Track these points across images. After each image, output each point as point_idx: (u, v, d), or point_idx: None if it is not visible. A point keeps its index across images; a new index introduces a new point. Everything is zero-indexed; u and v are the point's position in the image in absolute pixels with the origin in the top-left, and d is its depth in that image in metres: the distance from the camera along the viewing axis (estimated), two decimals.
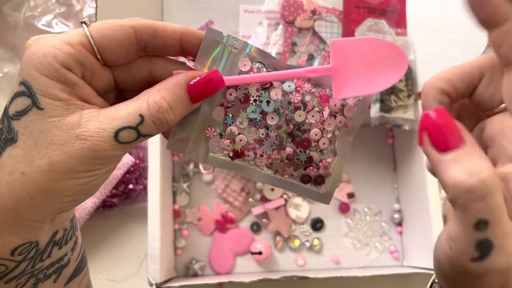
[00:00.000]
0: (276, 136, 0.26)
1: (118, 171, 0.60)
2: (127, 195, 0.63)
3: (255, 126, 0.26)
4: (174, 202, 0.64)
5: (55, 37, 0.22)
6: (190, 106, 0.23)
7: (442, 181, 0.19)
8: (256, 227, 0.64)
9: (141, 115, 0.22)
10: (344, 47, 0.25)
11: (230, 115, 0.26)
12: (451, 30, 0.58)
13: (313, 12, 0.62)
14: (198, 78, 0.23)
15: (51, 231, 0.24)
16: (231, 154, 0.26)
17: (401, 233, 0.65)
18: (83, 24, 0.22)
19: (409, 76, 0.60)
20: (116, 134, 0.21)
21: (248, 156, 0.26)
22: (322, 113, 0.26)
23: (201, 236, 0.64)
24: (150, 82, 0.25)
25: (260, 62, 0.26)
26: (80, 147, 0.21)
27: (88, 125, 0.21)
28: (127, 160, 0.61)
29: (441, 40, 0.59)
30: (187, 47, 0.24)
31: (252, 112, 0.25)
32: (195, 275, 0.62)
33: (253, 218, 0.64)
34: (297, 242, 0.63)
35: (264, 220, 0.64)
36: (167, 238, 0.60)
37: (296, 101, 0.26)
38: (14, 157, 0.21)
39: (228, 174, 0.65)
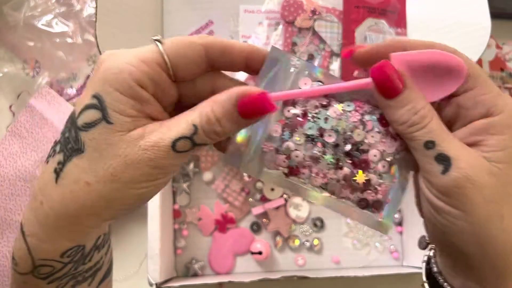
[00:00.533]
0: (333, 154, 0.25)
1: None
2: None
3: (312, 143, 0.25)
4: (174, 202, 0.64)
5: (130, 53, 0.22)
6: (241, 121, 0.23)
7: (390, 121, 0.24)
8: (256, 227, 0.64)
9: (194, 126, 0.22)
10: (404, 61, 0.24)
11: (288, 131, 0.25)
12: (451, 30, 0.58)
13: (313, 12, 0.62)
14: (247, 95, 0.23)
15: (97, 235, 0.26)
16: (286, 171, 0.26)
17: (401, 233, 0.65)
18: (158, 42, 0.23)
19: None
20: (174, 144, 0.22)
21: (303, 174, 0.26)
22: (382, 134, 0.25)
23: (201, 236, 0.64)
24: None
25: (321, 82, 0.26)
26: (141, 158, 0.22)
27: (150, 137, 0.22)
28: None
29: (441, 40, 0.58)
30: (251, 64, 0.25)
31: (310, 128, 0.25)
32: (195, 275, 0.62)
33: (253, 218, 0.64)
34: (297, 242, 0.63)
35: (264, 220, 0.64)
36: (167, 238, 0.60)
37: (355, 119, 0.25)
38: (80, 167, 0.22)
39: (228, 174, 0.65)
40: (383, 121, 0.25)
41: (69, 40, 0.66)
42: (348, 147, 0.25)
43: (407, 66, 0.24)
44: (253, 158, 0.26)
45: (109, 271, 0.30)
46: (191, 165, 0.64)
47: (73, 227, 0.23)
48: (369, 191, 0.26)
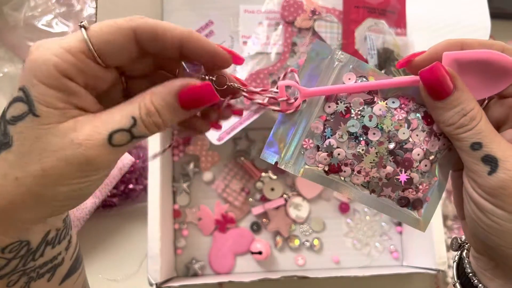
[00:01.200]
0: (376, 153, 0.25)
1: (118, 171, 0.60)
2: (127, 195, 0.63)
3: (355, 141, 0.25)
4: (174, 202, 0.64)
5: (56, 44, 0.22)
6: (182, 112, 0.23)
7: (437, 121, 0.25)
8: (256, 227, 0.64)
9: (133, 118, 0.22)
10: (457, 60, 0.24)
11: (329, 128, 0.25)
12: (451, 30, 0.58)
13: (313, 12, 0.62)
14: (189, 86, 0.23)
15: (44, 231, 0.24)
16: (326, 169, 0.25)
17: (401, 233, 0.65)
18: (82, 29, 0.22)
19: None
20: (110, 137, 0.21)
21: (344, 172, 0.25)
22: (427, 133, 0.25)
23: (201, 236, 0.64)
24: (157, 67, 0.25)
25: (365, 77, 0.25)
26: (73, 152, 0.21)
27: (83, 129, 0.21)
28: (127, 160, 0.61)
29: (441, 40, 0.59)
30: (186, 53, 0.24)
31: (353, 126, 0.25)
32: (195, 275, 0.62)
33: (253, 218, 0.64)
34: (297, 242, 0.63)
35: (264, 220, 0.64)
36: (167, 238, 0.60)
37: (400, 117, 0.25)
38: (8, 162, 0.21)
39: (228, 174, 0.65)
40: (428, 119, 0.25)
41: None
42: (392, 145, 0.25)
43: (457, 65, 0.24)
44: (293, 155, 0.26)
45: (74, 268, 0.28)
46: (191, 165, 0.64)
47: (6, 222, 0.22)
48: (410, 190, 0.25)
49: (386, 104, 0.25)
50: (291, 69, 0.25)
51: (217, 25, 0.63)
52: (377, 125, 0.25)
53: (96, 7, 0.47)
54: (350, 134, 0.25)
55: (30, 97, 0.21)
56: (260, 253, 0.60)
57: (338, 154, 0.25)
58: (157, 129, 0.23)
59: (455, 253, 0.29)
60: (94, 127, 0.21)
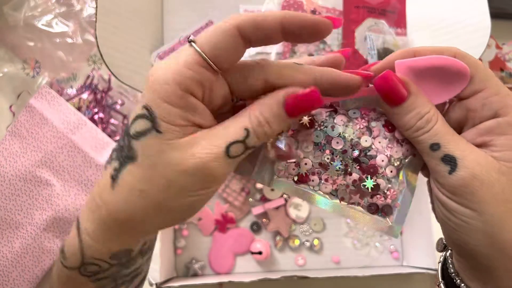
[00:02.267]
0: (341, 160, 0.26)
1: None
2: None
3: (320, 150, 0.26)
4: None
5: (173, 63, 0.22)
6: (287, 120, 0.24)
7: (397, 126, 0.25)
8: (256, 227, 0.64)
9: (246, 129, 0.23)
10: (410, 68, 0.25)
11: (295, 140, 0.26)
12: (451, 30, 0.58)
13: (313, 12, 0.62)
14: (297, 94, 0.23)
15: (143, 242, 0.26)
16: (295, 179, 0.26)
17: (401, 233, 0.65)
18: (193, 43, 0.23)
19: None
20: (227, 149, 0.22)
21: (312, 181, 0.26)
22: (389, 140, 0.26)
23: (201, 236, 0.64)
24: (266, 91, 0.25)
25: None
26: (195, 165, 0.22)
27: (202, 144, 0.22)
28: None
29: (441, 40, 0.59)
30: (288, 31, 0.24)
31: (317, 136, 0.26)
32: (195, 275, 0.62)
33: (253, 218, 0.64)
34: (297, 242, 0.63)
35: (264, 220, 0.64)
36: (167, 238, 0.60)
37: (362, 126, 0.26)
38: (135, 175, 0.22)
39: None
40: (389, 126, 0.26)
41: (69, 40, 0.66)
42: (356, 153, 0.26)
43: (412, 72, 0.25)
44: (264, 167, 0.26)
45: (144, 278, 0.30)
46: None
47: (126, 232, 0.24)
48: (378, 196, 0.26)
49: (348, 114, 0.26)
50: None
51: None
52: (339, 135, 0.26)
53: (96, 7, 0.47)
54: (315, 144, 0.26)
55: (154, 114, 0.22)
56: (260, 253, 0.60)
57: (305, 164, 0.26)
58: (267, 138, 0.24)
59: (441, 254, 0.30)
60: (211, 140, 0.22)
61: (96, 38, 0.47)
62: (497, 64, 0.68)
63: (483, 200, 0.22)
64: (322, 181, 0.26)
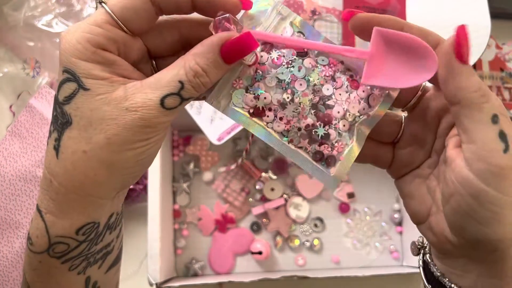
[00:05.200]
0: (300, 103, 0.26)
1: None
2: (127, 195, 0.63)
3: (282, 88, 0.26)
4: (174, 202, 0.64)
5: (83, 23, 0.23)
6: (225, 67, 0.24)
7: (460, 88, 0.22)
8: (256, 227, 0.64)
9: (180, 81, 0.23)
10: (386, 37, 0.25)
11: (260, 72, 0.26)
12: (451, 30, 0.58)
13: (313, 12, 0.62)
14: (230, 40, 0.23)
15: (109, 212, 0.26)
16: (251, 111, 0.26)
17: (401, 233, 0.65)
18: (103, 4, 0.23)
19: None
20: (162, 101, 0.23)
21: (267, 116, 0.26)
22: (350, 94, 0.26)
23: (201, 236, 0.64)
24: (184, 45, 0.26)
25: (301, 33, 0.26)
26: (131, 118, 0.22)
27: (134, 98, 0.22)
28: None
29: None
30: (199, 6, 0.25)
31: (282, 73, 0.26)
32: (195, 275, 0.62)
33: (253, 218, 0.64)
34: (297, 242, 0.63)
35: (264, 220, 0.64)
36: (167, 238, 0.60)
37: (327, 74, 0.26)
38: (73, 138, 0.23)
39: (228, 174, 0.65)
40: (355, 83, 0.26)
41: None
42: (316, 99, 0.26)
43: (385, 43, 0.25)
44: (222, 93, 0.26)
45: (118, 259, 0.30)
46: (191, 165, 0.64)
47: (84, 199, 0.24)
48: (326, 145, 0.26)
49: (317, 60, 0.26)
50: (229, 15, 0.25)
51: None
52: (304, 77, 0.26)
53: (96, 7, 0.47)
54: (279, 80, 0.26)
55: (76, 74, 0.22)
56: (260, 253, 0.60)
57: (264, 98, 0.26)
58: (204, 88, 0.24)
59: (418, 257, 0.29)
60: (145, 94, 0.23)
61: None
62: (497, 64, 0.68)
63: None
64: (277, 119, 0.26)
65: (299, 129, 0.26)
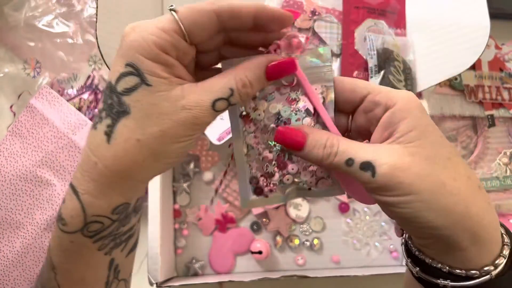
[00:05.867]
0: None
1: None
2: None
3: (276, 120, 0.29)
4: (174, 202, 0.65)
5: (151, 24, 0.25)
6: (266, 83, 0.28)
7: (311, 163, 0.29)
8: (256, 227, 0.64)
9: (231, 89, 0.26)
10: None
11: (273, 94, 0.29)
12: (451, 30, 0.58)
13: (313, 12, 0.62)
14: (277, 63, 0.27)
15: (137, 196, 0.28)
16: (243, 113, 0.30)
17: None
18: (173, 12, 0.26)
19: (409, 77, 0.60)
20: (213, 104, 0.26)
21: (249, 127, 0.30)
22: (311, 165, 0.30)
23: (201, 235, 0.64)
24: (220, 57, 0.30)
25: (324, 100, 0.29)
26: (185, 116, 0.25)
27: (190, 98, 0.25)
28: None
29: (441, 40, 0.59)
30: (260, 24, 0.27)
31: (285, 111, 0.29)
32: (195, 274, 0.62)
33: (253, 217, 0.64)
34: (297, 242, 0.63)
35: (264, 219, 0.64)
36: (167, 237, 0.60)
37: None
38: (129, 127, 0.25)
39: (228, 174, 0.65)
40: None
41: (69, 40, 0.67)
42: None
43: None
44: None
45: (136, 244, 0.32)
46: (191, 165, 0.64)
47: (126, 182, 0.26)
48: (265, 180, 0.30)
49: (313, 124, 0.29)
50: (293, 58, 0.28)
51: None
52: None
53: (97, 7, 0.47)
54: (279, 113, 0.29)
55: (140, 70, 0.25)
56: (260, 252, 0.60)
57: (258, 115, 0.29)
58: (247, 98, 0.27)
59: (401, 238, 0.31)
60: (199, 95, 0.25)
61: (96, 38, 0.47)
62: (496, 64, 0.69)
63: (410, 183, 0.24)
64: (253, 134, 0.30)
65: (260, 154, 0.30)
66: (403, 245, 0.30)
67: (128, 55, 0.25)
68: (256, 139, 0.30)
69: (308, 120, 0.29)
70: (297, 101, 0.29)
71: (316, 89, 0.29)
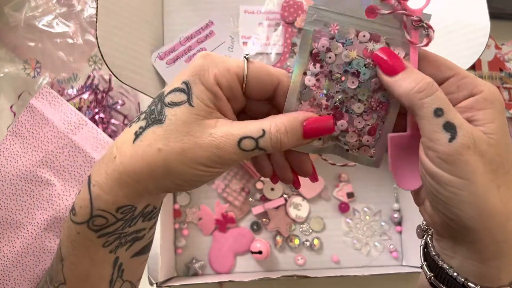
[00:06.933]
0: (340, 90, 0.28)
1: None
2: None
3: (344, 68, 0.28)
4: (175, 201, 0.65)
5: (221, 60, 0.27)
6: (302, 140, 0.27)
7: (398, 96, 0.26)
8: (256, 227, 0.64)
9: (263, 130, 0.26)
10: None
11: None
12: (450, 31, 0.58)
13: None
14: (314, 118, 0.27)
15: (146, 203, 0.28)
16: (314, 51, 0.28)
17: (400, 232, 0.65)
18: (245, 60, 0.27)
19: None
20: (240, 140, 0.26)
21: (314, 67, 0.28)
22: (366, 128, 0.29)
23: (201, 235, 0.64)
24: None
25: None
26: (209, 142, 0.25)
27: (220, 129, 0.26)
28: None
29: (441, 40, 0.59)
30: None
31: (358, 63, 0.28)
32: (196, 274, 0.62)
33: (253, 217, 0.64)
34: (297, 242, 0.63)
35: (264, 219, 0.64)
36: (168, 237, 0.60)
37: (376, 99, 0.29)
38: (157, 135, 0.25)
39: (228, 174, 0.65)
40: (385, 105, 0.29)
41: (70, 40, 0.67)
42: (348, 100, 0.29)
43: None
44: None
45: (146, 249, 0.32)
46: None
47: (133, 185, 0.26)
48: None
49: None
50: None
51: (217, 25, 0.63)
52: (358, 86, 0.28)
53: (97, 7, 0.47)
54: (350, 63, 0.28)
55: (191, 90, 0.26)
56: (260, 252, 0.60)
57: (329, 57, 0.28)
58: (279, 146, 0.27)
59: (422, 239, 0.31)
60: (230, 128, 0.26)
61: (96, 38, 0.47)
62: (496, 64, 0.69)
63: (474, 169, 0.23)
64: (314, 77, 0.28)
65: (314, 98, 0.28)
66: (421, 247, 0.30)
67: (188, 75, 0.26)
68: (318, 82, 0.28)
69: (377, 80, 0.28)
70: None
71: (398, 53, 0.27)
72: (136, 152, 0.25)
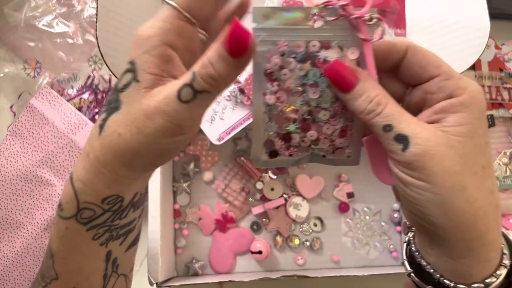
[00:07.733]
0: (303, 102, 0.28)
1: None
2: None
3: (300, 82, 0.28)
4: (175, 202, 0.65)
5: (154, 19, 0.25)
6: (232, 61, 0.24)
7: (354, 112, 0.27)
8: (256, 227, 0.64)
9: (193, 72, 0.24)
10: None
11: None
12: (450, 31, 0.58)
13: None
14: (228, 30, 0.24)
15: (134, 192, 0.28)
16: (268, 71, 0.28)
17: (400, 232, 0.65)
18: (169, 1, 0.25)
19: None
20: (179, 94, 0.24)
21: (272, 86, 0.28)
22: (332, 133, 0.30)
23: (201, 235, 0.64)
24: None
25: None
26: (156, 111, 0.24)
27: (163, 92, 0.24)
28: None
29: (441, 40, 0.59)
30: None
31: (314, 75, 0.28)
32: (196, 274, 0.62)
33: (253, 217, 0.64)
34: (297, 242, 0.63)
35: (264, 219, 0.64)
36: (168, 237, 0.60)
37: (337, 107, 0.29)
38: (116, 121, 0.25)
39: (228, 174, 0.65)
40: (344, 132, 0.30)
41: (69, 40, 0.67)
42: (312, 112, 0.29)
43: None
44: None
45: (137, 239, 0.32)
46: (191, 165, 0.65)
47: (110, 175, 0.26)
48: (280, 141, 0.30)
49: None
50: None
51: None
52: (320, 96, 0.28)
53: (97, 7, 0.47)
54: (305, 75, 0.28)
55: (136, 66, 0.25)
56: (260, 252, 0.60)
57: (284, 74, 0.28)
58: (213, 81, 0.24)
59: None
60: (170, 88, 0.24)
61: (96, 38, 0.47)
62: (496, 64, 0.69)
63: (434, 172, 0.24)
64: (274, 96, 0.28)
65: (282, 112, 0.28)
66: (405, 243, 0.30)
67: (132, 52, 0.25)
68: (279, 99, 0.28)
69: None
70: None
71: (353, 53, 0.27)
72: (103, 143, 0.25)
